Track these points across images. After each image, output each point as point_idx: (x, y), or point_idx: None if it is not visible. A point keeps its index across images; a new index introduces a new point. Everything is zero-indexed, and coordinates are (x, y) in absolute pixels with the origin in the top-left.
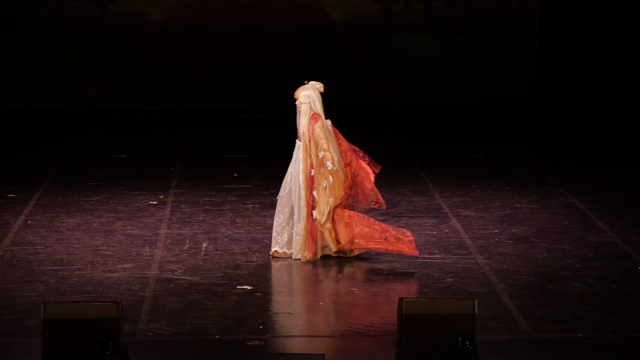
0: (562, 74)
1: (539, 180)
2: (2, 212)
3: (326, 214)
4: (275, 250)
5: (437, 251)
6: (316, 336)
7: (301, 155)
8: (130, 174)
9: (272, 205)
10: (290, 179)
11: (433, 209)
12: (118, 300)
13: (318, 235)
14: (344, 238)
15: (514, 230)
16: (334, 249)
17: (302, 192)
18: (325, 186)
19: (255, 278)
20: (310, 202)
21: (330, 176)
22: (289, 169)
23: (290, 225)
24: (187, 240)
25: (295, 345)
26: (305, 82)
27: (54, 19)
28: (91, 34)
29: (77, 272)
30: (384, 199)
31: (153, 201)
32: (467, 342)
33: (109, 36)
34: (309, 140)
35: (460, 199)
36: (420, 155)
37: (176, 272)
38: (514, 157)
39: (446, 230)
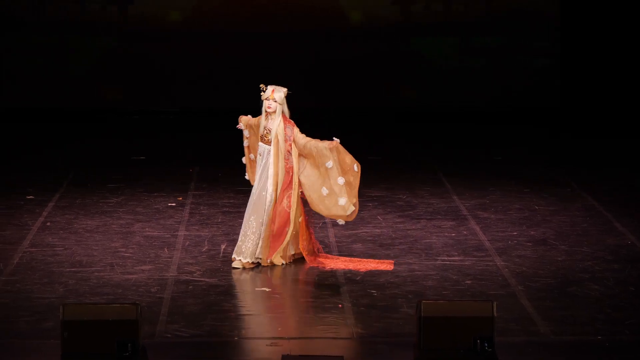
0: (582, 75)
1: (558, 182)
2: (21, 213)
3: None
4: (239, 260)
5: (456, 253)
6: (335, 338)
7: (272, 160)
8: (149, 175)
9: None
10: (259, 186)
11: (452, 211)
12: (137, 302)
13: (286, 238)
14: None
15: (532, 232)
16: (295, 251)
17: (269, 197)
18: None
19: (273, 280)
20: (283, 206)
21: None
22: (258, 174)
23: (257, 235)
24: (206, 242)
25: (314, 347)
26: (263, 86)
27: (73, 20)
28: (109, 35)
29: (96, 273)
30: (403, 201)
31: (172, 203)
32: (486, 345)
33: (127, 37)
34: (286, 142)
35: (479, 201)
36: (438, 157)
37: (195, 274)
38: (533, 159)
39: (465, 233)
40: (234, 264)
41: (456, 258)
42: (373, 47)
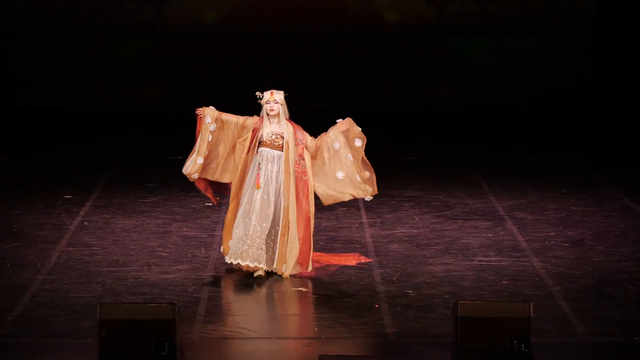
0: (619, 75)
1: (595, 183)
2: (59, 213)
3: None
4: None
5: (493, 254)
6: (372, 337)
7: (283, 166)
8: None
9: (326, 208)
10: (261, 190)
11: (488, 212)
12: (174, 302)
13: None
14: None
15: (569, 233)
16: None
17: (282, 204)
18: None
19: (308, 280)
20: (304, 210)
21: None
22: (253, 177)
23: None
24: None
25: (351, 348)
26: (259, 93)
27: (109, 20)
28: (146, 36)
29: (133, 273)
30: (440, 201)
31: (209, 203)
32: (523, 345)
33: (163, 38)
34: (298, 146)
35: (516, 201)
36: (475, 157)
37: (231, 274)
38: (570, 160)
39: (502, 233)
40: (259, 273)
41: (493, 258)
42: (409, 47)
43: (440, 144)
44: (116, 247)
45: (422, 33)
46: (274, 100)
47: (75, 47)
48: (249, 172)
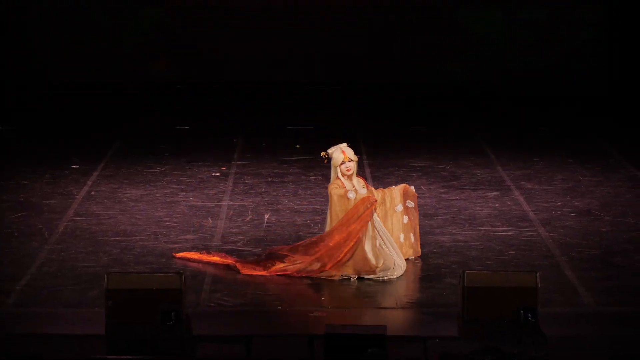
0: (630, 47)
1: (602, 153)
2: (66, 183)
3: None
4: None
5: (500, 224)
6: (378, 308)
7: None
8: (193, 145)
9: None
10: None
11: (496, 182)
12: (181, 271)
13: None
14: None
15: (577, 203)
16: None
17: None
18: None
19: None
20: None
21: None
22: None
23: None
24: (250, 212)
25: (358, 317)
26: (324, 154)
27: None
28: (157, 8)
29: (140, 243)
30: (447, 171)
31: (216, 173)
32: (529, 315)
33: (174, 10)
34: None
35: (523, 171)
36: (483, 128)
37: (238, 244)
38: (577, 131)
39: (509, 203)
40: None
41: (500, 228)
42: (418, 21)
43: (449, 115)
44: (123, 216)
45: (432, 6)
46: (348, 159)
47: (85, 19)
48: None
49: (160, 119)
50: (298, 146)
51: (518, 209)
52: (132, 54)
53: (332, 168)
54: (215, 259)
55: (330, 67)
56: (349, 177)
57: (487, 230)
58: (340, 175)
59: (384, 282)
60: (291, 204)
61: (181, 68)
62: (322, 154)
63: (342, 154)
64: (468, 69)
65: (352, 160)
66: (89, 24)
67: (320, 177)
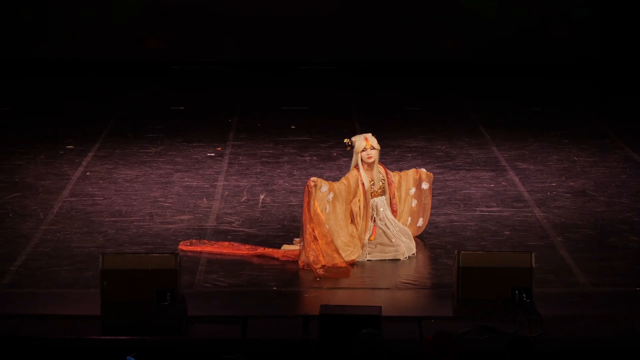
0: (622, 26)
1: (598, 133)
2: (61, 163)
3: None
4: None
5: (495, 204)
6: (373, 288)
7: (388, 212)
8: (189, 126)
9: (329, 157)
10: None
11: (491, 162)
12: (176, 252)
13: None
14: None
15: (572, 183)
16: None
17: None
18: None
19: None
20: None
21: None
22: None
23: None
24: (245, 192)
25: (353, 298)
26: (348, 141)
27: None
28: None
29: (135, 223)
30: (442, 151)
31: (211, 153)
32: (524, 295)
33: None
34: (391, 186)
35: (518, 152)
36: (478, 108)
37: (234, 224)
38: (572, 111)
39: (504, 183)
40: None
41: (495, 209)
42: None
43: (443, 94)
44: (118, 197)
45: None
46: (370, 147)
47: None
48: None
49: (155, 100)
50: (293, 126)
51: (513, 190)
52: (126, 32)
53: (354, 154)
54: (230, 250)
55: (323, 46)
56: (370, 165)
57: (482, 211)
58: (360, 162)
59: (383, 261)
60: (286, 184)
61: (176, 47)
62: (345, 140)
63: (364, 141)
64: (462, 46)
65: (374, 148)
66: (81, 1)
67: (315, 158)
